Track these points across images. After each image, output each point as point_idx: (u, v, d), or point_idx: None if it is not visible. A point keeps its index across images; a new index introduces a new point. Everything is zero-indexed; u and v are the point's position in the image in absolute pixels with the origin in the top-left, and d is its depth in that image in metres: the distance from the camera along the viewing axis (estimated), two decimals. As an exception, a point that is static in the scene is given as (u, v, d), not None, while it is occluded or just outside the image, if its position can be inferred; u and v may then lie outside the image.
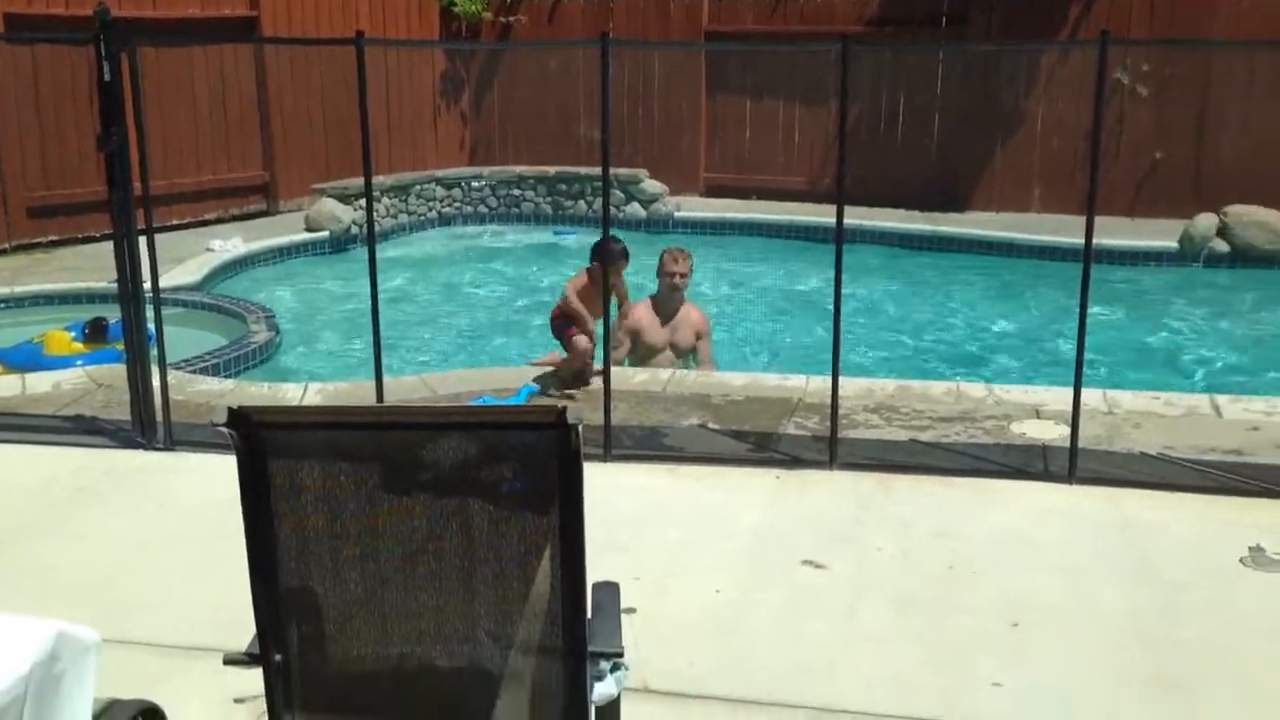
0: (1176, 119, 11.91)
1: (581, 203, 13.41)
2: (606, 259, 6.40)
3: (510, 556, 2.11)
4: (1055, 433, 5.86)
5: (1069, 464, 5.36)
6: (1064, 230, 11.07)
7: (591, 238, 8.32)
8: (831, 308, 5.52)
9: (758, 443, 5.86)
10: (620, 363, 7.25)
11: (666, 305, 7.50)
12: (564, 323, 6.84)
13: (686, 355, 7.51)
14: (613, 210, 12.63)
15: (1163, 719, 3.59)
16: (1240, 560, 4.59)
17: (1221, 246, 10.24)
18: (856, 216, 11.27)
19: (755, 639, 4.06)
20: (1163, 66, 11.91)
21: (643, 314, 7.49)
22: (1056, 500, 5.20)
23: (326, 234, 11.87)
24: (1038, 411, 6.18)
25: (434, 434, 2.12)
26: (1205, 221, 10.38)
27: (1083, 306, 5.40)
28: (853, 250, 10.49)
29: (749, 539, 4.87)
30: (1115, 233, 10.35)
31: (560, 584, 2.13)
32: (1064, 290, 9.65)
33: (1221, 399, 6.36)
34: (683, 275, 7.41)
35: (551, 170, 13.55)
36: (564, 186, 13.49)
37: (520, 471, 2.14)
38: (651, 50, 13.95)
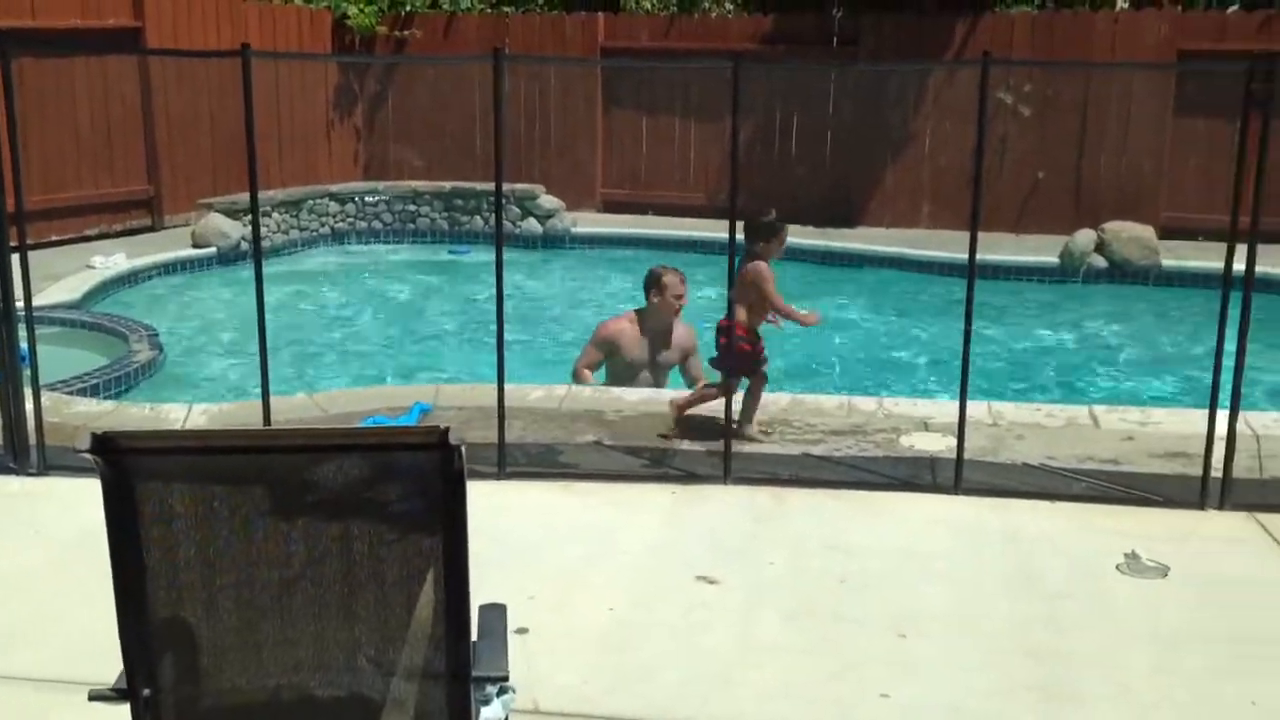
0: (1057, 138, 12.28)
1: (478, 218, 13.34)
2: (768, 233, 6.04)
3: (392, 581, 2.07)
4: (942, 444, 5.97)
5: (955, 476, 5.47)
6: (952, 245, 11.31)
7: (487, 254, 8.25)
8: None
9: (653, 458, 5.87)
10: (590, 381, 7.20)
11: (658, 323, 7.21)
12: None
13: (667, 373, 7.32)
14: (509, 226, 12.63)
15: (1045, 725, 3.67)
16: (1117, 567, 4.73)
17: (1100, 262, 10.57)
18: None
19: (649, 655, 4.06)
20: (1044, 87, 12.28)
21: (625, 328, 7.26)
22: (944, 511, 5.30)
23: (214, 250, 11.62)
24: (926, 424, 6.29)
25: (313, 457, 2.08)
26: (1084, 238, 10.72)
27: (968, 321, 5.53)
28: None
29: (644, 555, 4.88)
30: (1000, 248, 10.63)
31: (444, 607, 2.10)
32: (952, 304, 9.89)
33: (1099, 410, 6.56)
34: (683, 299, 7.19)
35: (447, 186, 13.46)
36: (460, 202, 13.40)
37: (402, 494, 2.11)
38: (548, 66, 13.95)
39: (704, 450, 5.94)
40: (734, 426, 5.77)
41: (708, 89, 12.99)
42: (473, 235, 13.23)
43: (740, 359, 5.94)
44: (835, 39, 13.10)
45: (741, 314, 5.95)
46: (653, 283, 7.13)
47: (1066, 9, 13.34)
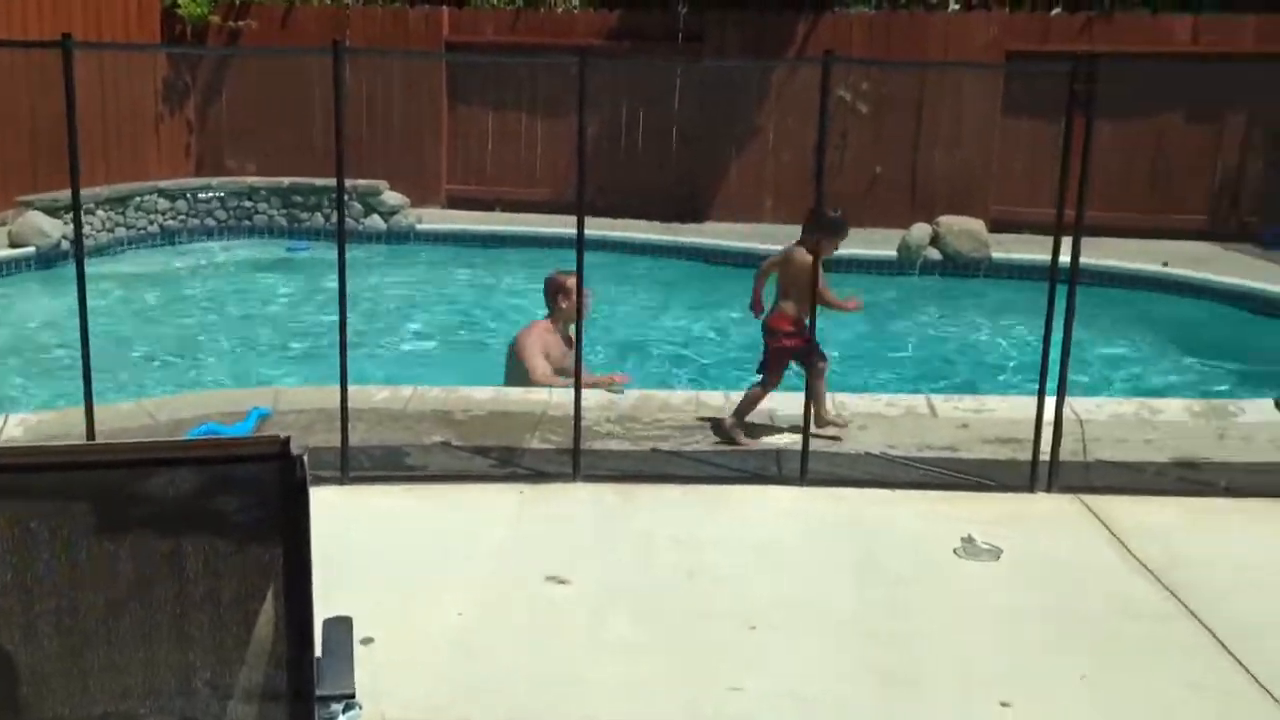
0: (893, 135, 12.63)
1: (318, 215, 13.03)
2: (831, 229, 6.14)
3: (230, 600, 1.99)
4: (788, 438, 6.08)
5: (801, 467, 5.57)
6: (791, 237, 11.52)
7: (328, 252, 7.91)
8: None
9: (501, 458, 5.82)
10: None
11: (569, 326, 6.99)
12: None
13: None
14: (352, 223, 12.37)
15: (893, 711, 3.77)
16: (955, 551, 4.89)
17: (935, 255, 10.93)
18: (600, 228, 11.43)
19: (499, 660, 4.02)
20: (880, 85, 12.60)
21: (547, 337, 7.15)
22: (790, 503, 5.40)
23: (32, 250, 11.05)
24: (772, 417, 6.39)
25: (141, 471, 1.98)
26: (920, 231, 11.06)
27: (813, 313, 5.64)
28: (601, 262, 10.69)
29: (493, 557, 4.83)
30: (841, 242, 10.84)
31: (285, 624, 2.03)
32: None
33: (936, 399, 6.77)
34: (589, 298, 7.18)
35: (285, 181, 13.10)
36: (299, 198, 13.07)
37: (239, 507, 2.03)
38: (391, 60, 13.69)
39: (553, 448, 5.92)
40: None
41: (554, 84, 12.95)
42: (312, 232, 12.91)
43: (789, 354, 6.09)
44: (680, 35, 13.20)
45: (790, 308, 6.06)
46: (557, 288, 7.14)
47: (902, 10, 13.71)
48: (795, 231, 11.93)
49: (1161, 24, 12.72)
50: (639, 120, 13.35)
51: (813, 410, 5.80)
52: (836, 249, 6.27)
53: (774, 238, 11.85)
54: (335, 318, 5.51)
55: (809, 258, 5.93)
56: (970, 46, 12.69)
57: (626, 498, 5.39)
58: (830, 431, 6.10)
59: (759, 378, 6.18)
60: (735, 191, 13.19)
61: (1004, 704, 3.79)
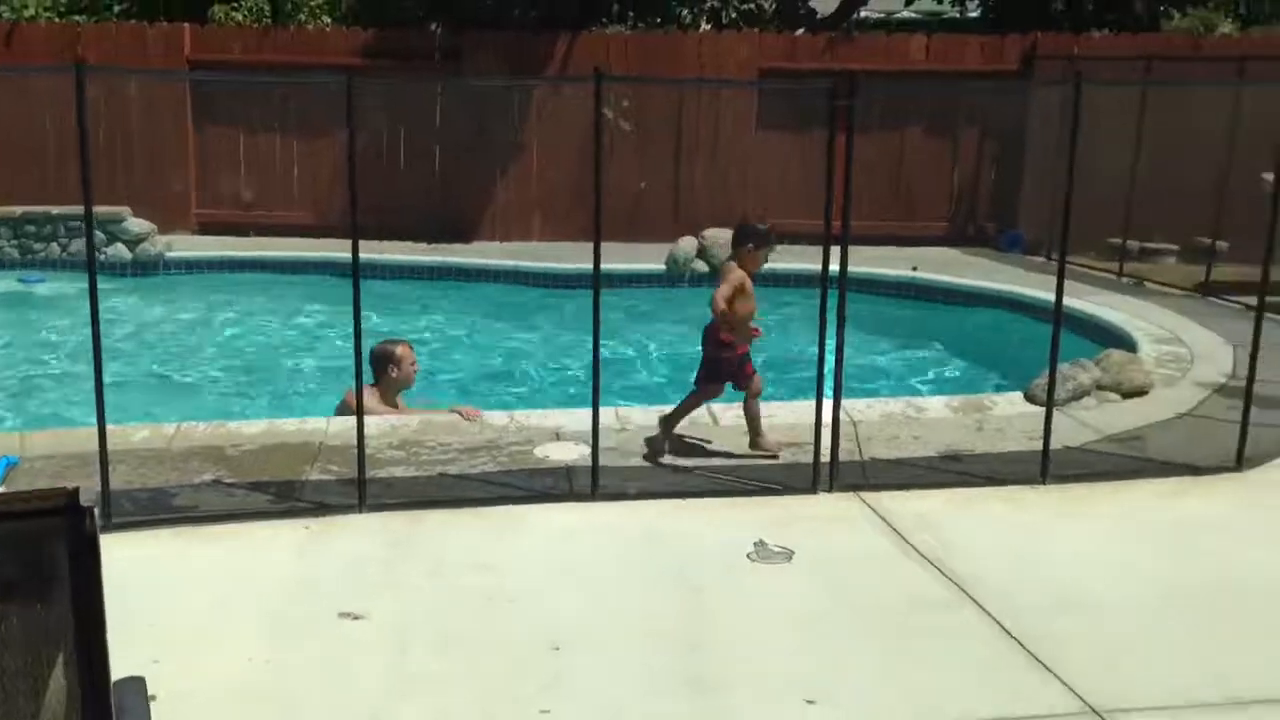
0: (656, 151, 12.84)
1: (54, 245, 12.18)
2: (755, 239, 6.01)
3: (15, 670, 1.80)
4: (576, 453, 6.06)
5: (592, 483, 5.56)
6: (567, 256, 11.58)
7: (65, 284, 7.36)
8: (351, 342, 5.40)
9: (281, 493, 5.57)
10: None
11: (397, 393, 7.06)
12: None
13: None
14: (96, 253, 11.59)
15: (699, 716, 3.78)
16: (748, 556, 4.97)
17: (702, 266, 11.17)
18: (365, 251, 11.11)
19: (297, 704, 3.83)
20: (642, 102, 12.80)
21: (372, 405, 6.63)
22: (583, 519, 5.37)
23: None
24: (557, 434, 6.36)
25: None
26: (687, 244, 11.29)
27: (596, 328, 5.65)
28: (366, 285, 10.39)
29: (281, 596, 4.60)
30: (612, 257, 10.93)
31: (79, 692, 1.85)
32: (571, 315, 10.10)
33: (717, 407, 6.87)
34: (417, 366, 7.16)
35: (17, 210, 12.19)
36: (33, 228, 12.19)
37: (22, 568, 1.84)
38: (129, 79, 12.94)
39: (335, 479, 5.71)
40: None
41: (309, 104, 12.54)
42: (49, 263, 12.05)
43: (722, 365, 6.04)
44: (438, 54, 13.03)
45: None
46: (386, 359, 6.99)
47: (658, 31, 13.97)
48: (563, 249, 12.03)
49: (897, 43, 13.43)
50: (401, 141, 13.09)
51: (753, 428, 6.06)
52: (766, 261, 6.24)
53: (544, 255, 11.91)
54: (77, 353, 5.14)
55: (730, 268, 6.10)
56: (725, 65, 13.06)
57: (417, 525, 5.25)
58: (764, 453, 6.10)
59: (694, 387, 6.16)
60: (503, 211, 13.12)
61: (809, 701, 3.87)
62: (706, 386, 6.21)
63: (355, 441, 5.62)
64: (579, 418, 6.45)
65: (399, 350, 7.04)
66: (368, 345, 6.23)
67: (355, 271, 5.52)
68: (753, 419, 6.16)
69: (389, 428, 6.39)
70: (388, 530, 5.19)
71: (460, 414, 6.71)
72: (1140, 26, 13.55)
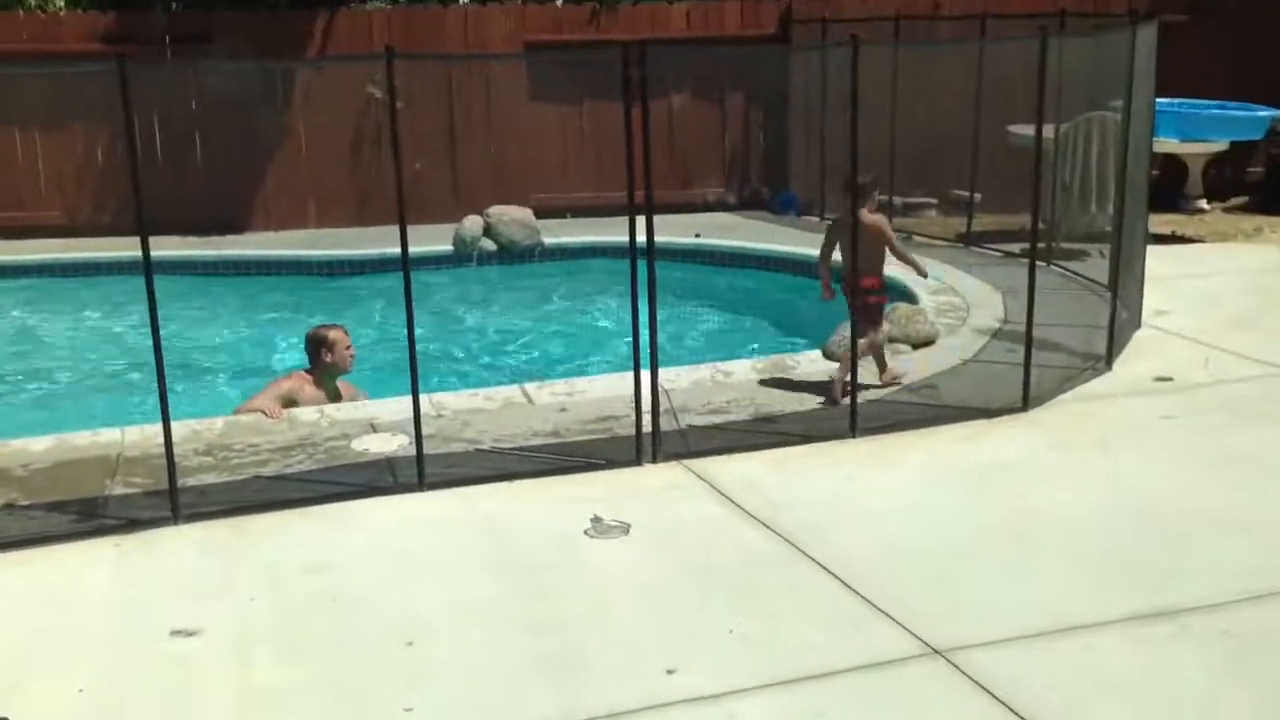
0: (429, 129, 12.57)
1: None
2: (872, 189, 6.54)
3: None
4: (395, 444, 5.94)
5: (418, 473, 5.47)
6: (345, 243, 11.27)
7: None
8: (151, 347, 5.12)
9: (84, 511, 5.23)
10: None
11: (333, 379, 6.98)
12: None
13: None
14: None
15: (568, 699, 3.79)
16: (585, 532, 5.00)
17: (489, 245, 11.06)
18: (129, 248, 10.49)
19: (143, 732, 3.63)
20: (411, 81, 12.50)
21: (304, 388, 6.83)
22: (414, 510, 5.28)
23: None
24: (373, 425, 6.21)
25: None
26: (472, 223, 11.14)
27: (409, 316, 5.54)
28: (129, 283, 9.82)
29: (103, 621, 4.35)
30: (394, 240, 10.70)
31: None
32: (354, 300, 9.84)
33: (530, 386, 6.88)
34: (352, 350, 7.10)
35: None
36: None
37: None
38: None
39: (141, 492, 5.41)
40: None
41: (49, 94, 11.68)
42: None
43: (879, 309, 6.56)
44: (193, 37, 12.36)
45: (873, 267, 6.42)
46: (319, 343, 6.93)
47: (419, 4, 13.67)
48: (342, 234, 11.68)
49: (660, 12, 13.59)
50: (155, 131, 12.36)
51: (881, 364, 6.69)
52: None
53: (320, 242, 11.52)
54: None
55: (880, 220, 6.70)
56: (490, 39, 12.90)
57: (241, 532, 5.04)
58: (894, 381, 6.71)
59: (855, 339, 6.32)
60: (273, 199, 12.59)
61: (669, 671, 3.94)
62: (877, 327, 6.60)
63: (154, 451, 5.35)
64: (392, 407, 6.33)
65: (332, 335, 6.96)
66: (181, 346, 6.00)
67: (148, 269, 5.23)
68: (880, 354, 6.71)
69: (190, 433, 6.09)
70: (210, 540, 4.96)
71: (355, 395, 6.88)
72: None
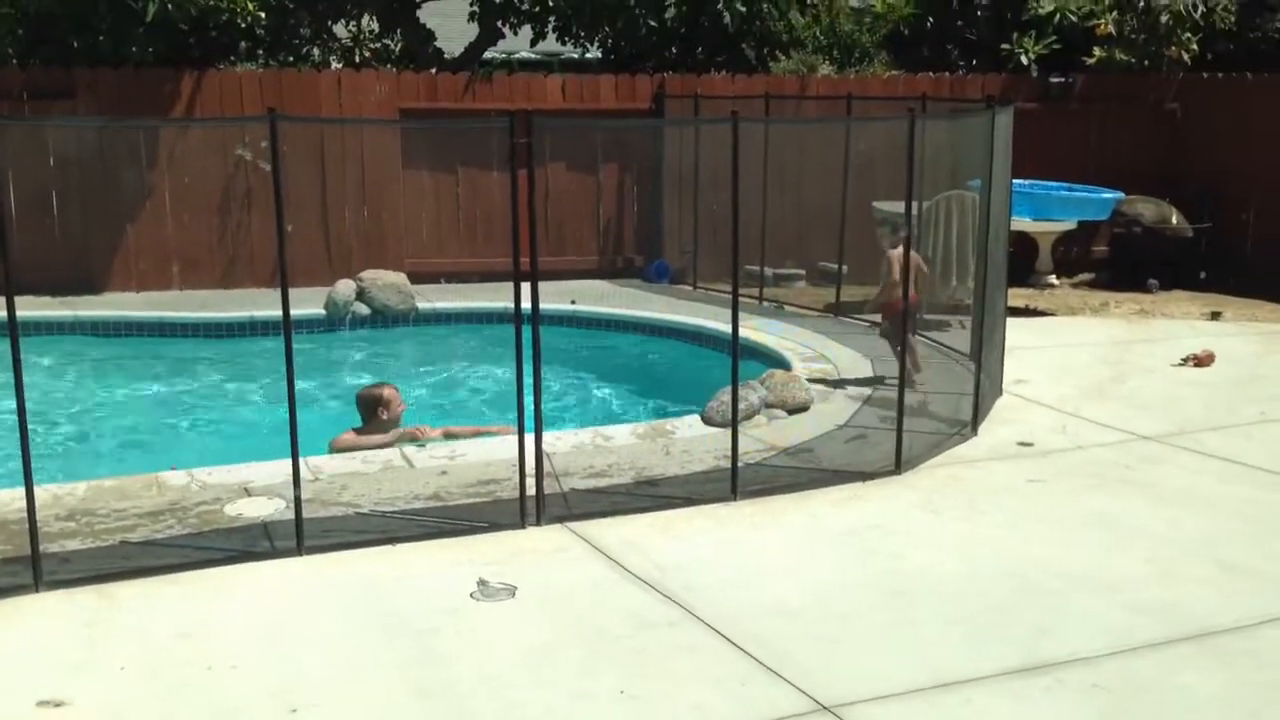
0: (301, 192, 12.43)
1: None
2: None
3: None
4: (270, 508, 5.79)
5: (297, 537, 5.34)
6: (212, 305, 11.02)
7: None
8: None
9: (-66, 579, 4.96)
10: None
11: (384, 433, 7.23)
12: None
13: None
14: None
15: (459, 763, 3.73)
16: (471, 595, 4.95)
17: (363, 309, 10.91)
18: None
19: (10, 810, 3.44)
20: (283, 143, 12.34)
21: (360, 441, 7.14)
22: (294, 575, 5.15)
23: None
24: (247, 489, 6.05)
25: None
26: (345, 287, 10.99)
27: (289, 378, 5.43)
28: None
29: (-39, 694, 4.11)
30: (260, 304, 10.53)
31: None
32: (216, 364, 9.61)
33: (409, 450, 6.79)
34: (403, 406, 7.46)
35: None
36: None
37: None
38: None
39: (0, 559, 5.15)
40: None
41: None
42: None
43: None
44: (54, 93, 12.01)
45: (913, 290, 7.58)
46: (376, 402, 7.31)
47: (290, 68, 13.55)
48: (207, 297, 11.41)
49: (535, 84, 13.73)
50: (12, 188, 11.93)
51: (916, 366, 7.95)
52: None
53: (186, 304, 11.23)
54: None
55: (898, 251, 7.71)
56: (365, 104, 12.85)
57: (107, 599, 4.84)
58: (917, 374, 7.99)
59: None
60: (136, 258, 12.23)
61: (563, 732, 3.91)
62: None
63: (12, 516, 5.10)
64: (267, 470, 6.18)
65: (386, 393, 7.35)
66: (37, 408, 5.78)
67: (14, 330, 5.02)
68: (914, 351, 8.05)
69: (49, 497, 5.83)
70: (75, 608, 4.75)
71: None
72: (751, 69, 14.59)
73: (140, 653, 4.41)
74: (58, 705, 4.02)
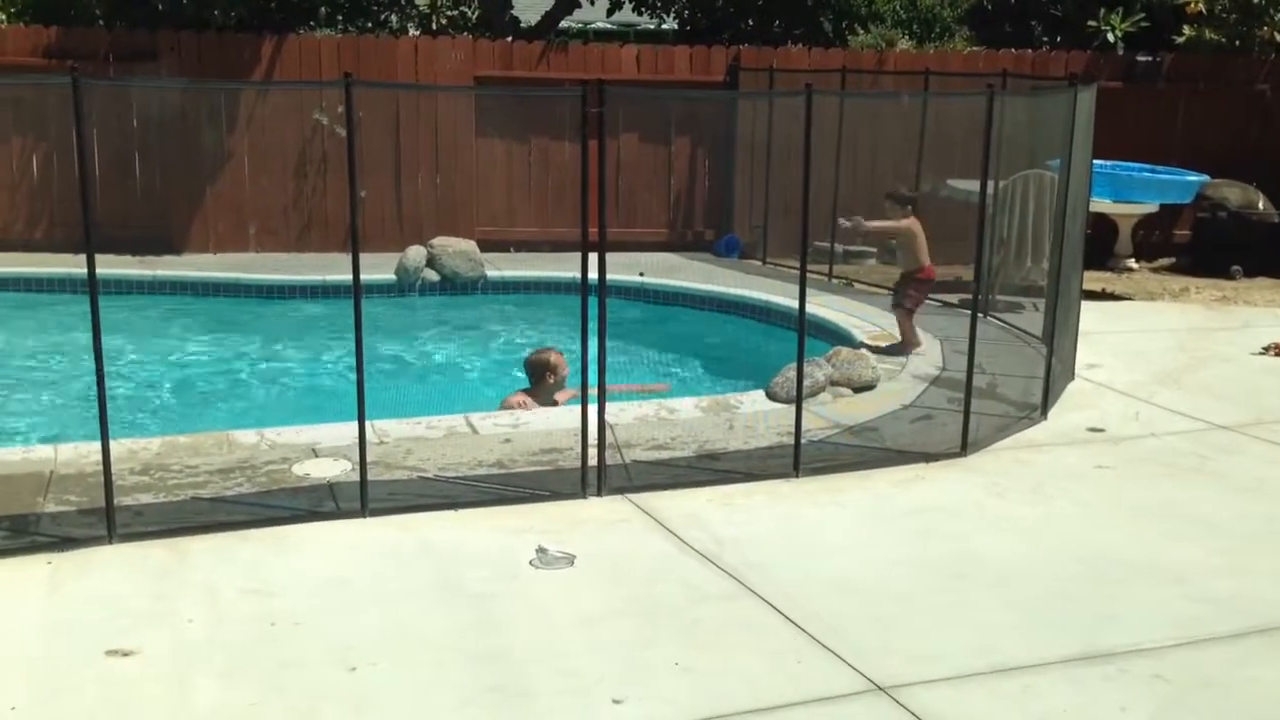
0: (375, 158, 12.54)
1: None
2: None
3: None
4: (337, 469, 5.88)
5: (360, 498, 5.42)
6: (285, 268, 11.17)
7: None
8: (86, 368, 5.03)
9: (15, 528, 5.12)
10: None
11: (550, 395, 7.62)
12: None
13: None
14: None
15: (512, 726, 3.78)
16: (530, 562, 4.99)
17: (433, 276, 11.03)
18: (61, 265, 10.31)
19: (79, 753, 3.55)
20: (359, 109, 12.46)
21: (529, 402, 7.47)
22: (357, 535, 5.23)
23: None
24: (314, 450, 6.15)
25: None
26: (416, 254, 11.10)
27: (358, 342, 5.50)
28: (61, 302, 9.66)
29: (36, 639, 4.25)
30: (337, 268, 10.66)
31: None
32: (298, 326, 9.76)
33: (475, 417, 6.85)
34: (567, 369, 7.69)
35: None
36: None
37: None
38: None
39: (75, 510, 5.30)
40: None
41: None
42: None
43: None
44: (137, 54, 12.23)
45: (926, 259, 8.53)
46: (544, 367, 7.65)
47: (369, 34, 13.66)
48: (281, 260, 11.60)
49: (610, 54, 13.72)
50: (96, 147, 12.18)
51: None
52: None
53: (260, 266, 11.40)
54: None
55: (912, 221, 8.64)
56: (440, 71, 12.92)
57: (178, 553, 4.95)
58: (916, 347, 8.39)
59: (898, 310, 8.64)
60: (214, 220, 12.45)
61: (616, 701, 3.95)
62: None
63: (88, 469, 5.23)
64: (334, 432, 6.27)
65: (553, 358, 7.69)
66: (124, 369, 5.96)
67: (93, 287, 5.14)
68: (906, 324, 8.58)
69: (126, 452, 5.98)
70: (148, 560, 4.87)
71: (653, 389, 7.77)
72: (829, 42, 14.44)
73: (208, 607, 4.52)
74: (126, 654, 4.14)
